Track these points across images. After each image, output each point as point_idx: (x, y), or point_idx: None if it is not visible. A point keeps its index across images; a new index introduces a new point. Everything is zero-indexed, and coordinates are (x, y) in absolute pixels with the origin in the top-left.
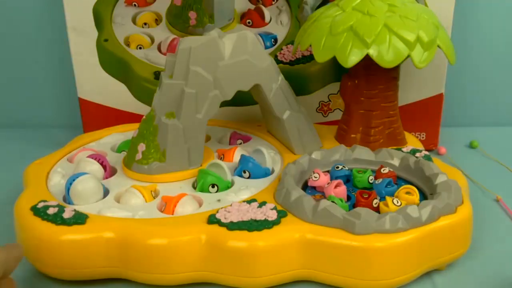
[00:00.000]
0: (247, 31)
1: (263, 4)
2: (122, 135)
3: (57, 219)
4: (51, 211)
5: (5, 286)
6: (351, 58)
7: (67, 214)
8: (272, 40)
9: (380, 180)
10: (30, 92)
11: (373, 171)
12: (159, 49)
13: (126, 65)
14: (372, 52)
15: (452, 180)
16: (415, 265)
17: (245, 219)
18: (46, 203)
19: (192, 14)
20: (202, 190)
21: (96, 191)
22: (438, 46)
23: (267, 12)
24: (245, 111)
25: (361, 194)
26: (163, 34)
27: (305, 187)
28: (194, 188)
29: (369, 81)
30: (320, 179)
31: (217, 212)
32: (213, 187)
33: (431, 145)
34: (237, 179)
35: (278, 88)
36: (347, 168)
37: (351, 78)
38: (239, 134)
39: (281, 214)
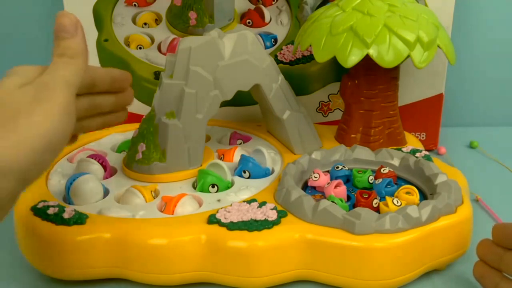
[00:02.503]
0: (247, 31)
1: (263, 4)
2: (122, 135)
3: (57, 219)
4: (51, 211)
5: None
6: (351, 58)
7: (67, 214)
8: (272, 40)
9: (380, 180)
10: None
11: (373, 171)
12: (159, 49)
13: (126, 65)
14: (372, 52)
15: (452, 180)
16: (415, 265)
17: (245, 219)
18: (46, 203)
19: (192, 14)
20: (202, 190)
21: (96, 191)
22: (438, 46)
23: (267, 12)
24: (245, 111)
25: (361, 194)
26: (163, 34)
27: (305, 187)
28: (194, 188)
29: (369, 81)
30: (320, 179)
31: (217, 212)
32: (213, 187)
33: (431, 145)
34: (237, 179)
35: (278, 88)
36: (347, 168)
37: (351, 78)
38: (239, 134)
39: (281, 214)
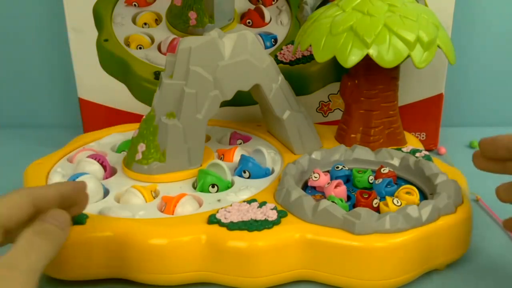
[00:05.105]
0: (247, 31)
1: (263, 4)
2: (122, 135)
3: None
4: None
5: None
6: (351, 58)
7: None
8: (272, 40)
9: (380, 180)
10: (30, 92)
11: (373, 171)
12: (159, 49)
13: (126, 65)
14: (372, 52)
15: (452, 180)
16: (415, 265)
17: (245, 219)
18: None
19: (192, 14)
20: (202, 190)
21: (96, 191)
22: (438, 46)
23: (267, 12)
24: (245, 111)
25: (361, 194)
26: (163, 34)
27: (305, 187)
28: (194, 188)
29: (369, 81)
30: (320, 179)
31: (217, 212)
32: (213, 187)
33: (431, 145)
34: (237, 179)
35: (278, 88)
36: (347, 168)
37: (351, 78)
38: (239, 134)
39: (281, 214)
